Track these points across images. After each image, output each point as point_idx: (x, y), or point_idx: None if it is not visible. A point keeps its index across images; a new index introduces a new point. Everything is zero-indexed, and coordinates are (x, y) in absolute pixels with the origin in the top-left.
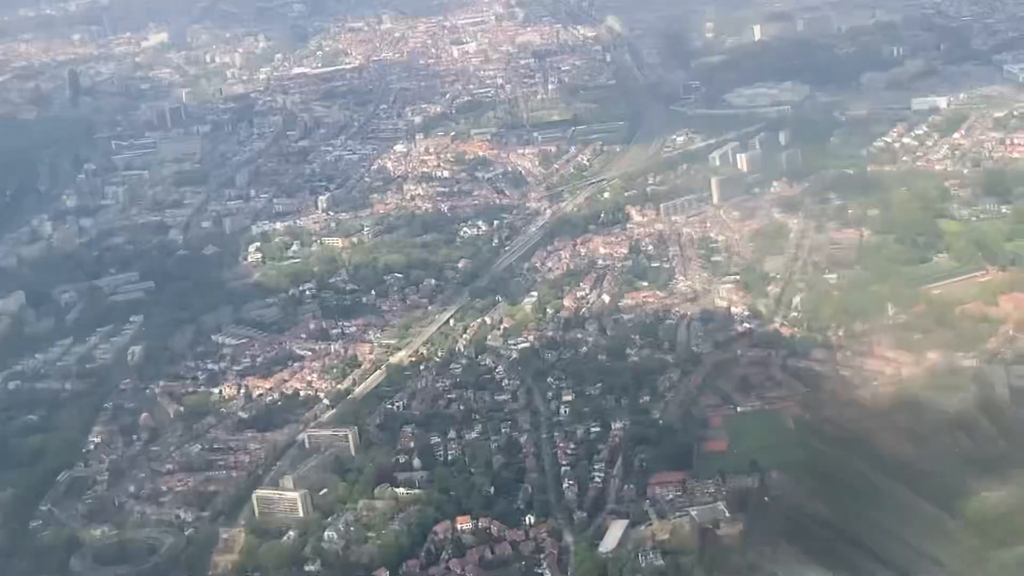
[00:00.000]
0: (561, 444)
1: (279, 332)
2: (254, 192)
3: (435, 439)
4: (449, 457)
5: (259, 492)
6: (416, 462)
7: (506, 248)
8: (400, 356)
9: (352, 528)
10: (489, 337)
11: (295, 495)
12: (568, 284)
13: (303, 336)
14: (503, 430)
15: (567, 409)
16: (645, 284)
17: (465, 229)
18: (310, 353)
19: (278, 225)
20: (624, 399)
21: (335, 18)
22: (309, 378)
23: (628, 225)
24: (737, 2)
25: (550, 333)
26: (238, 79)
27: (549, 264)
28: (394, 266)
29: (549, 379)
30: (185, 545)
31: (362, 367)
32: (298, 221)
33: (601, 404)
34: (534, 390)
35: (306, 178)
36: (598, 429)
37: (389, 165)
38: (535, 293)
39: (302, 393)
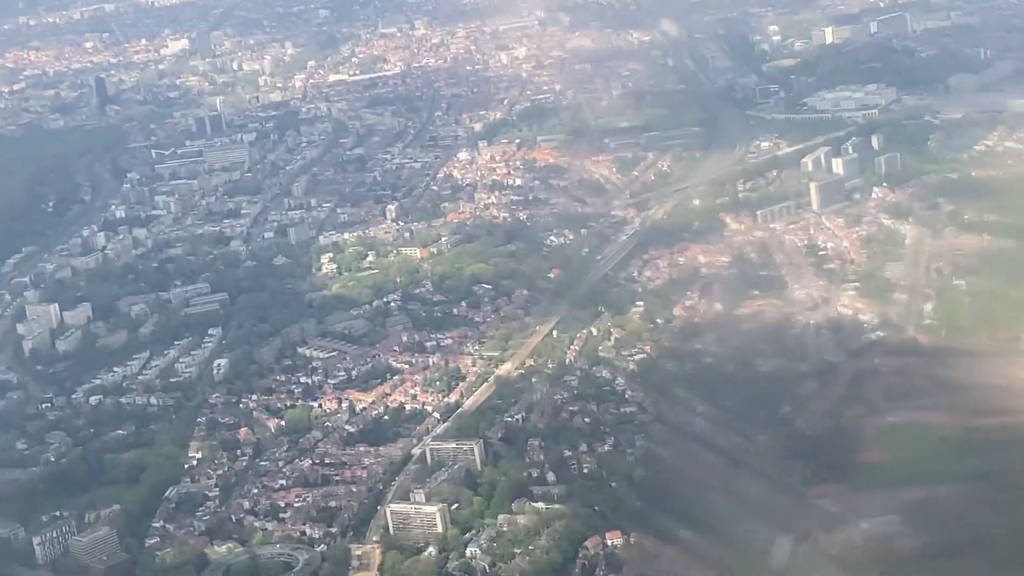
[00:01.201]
0: (704, 457)
1: (369, 345)
2: (314, 201)
3: (565, 452)
4: (584, 470)
5: (393, 507)
6: (550, 476)
7: (598, 257)
8: (506, 368)
9: (495, 544)
10: (601, 348)
11: (433, 509)
12: (674, 294)
13: (396, 348)
14: (638, 443)
15: (703, 421)
16: (756, 292)
17: (551, 238)
18: (407, 366)
19: (346, 235)
20: (763, 410)
21: (363, 24)
22: (412, 391)
23: (725, 233)
24: (796, 4)
25: (666, 343)
26: (272, 86)
27: (647, 273)
28: (481, 276)
29: (676, 390)
30: (320, 561)
31: (467, 380)
32: (367, 231)
33: (739, 415)
34: (661, 401)
35: (368, 187)
36: (741, 440)
37: (455, 173)
38: (641, 303)
39: (407, 406)
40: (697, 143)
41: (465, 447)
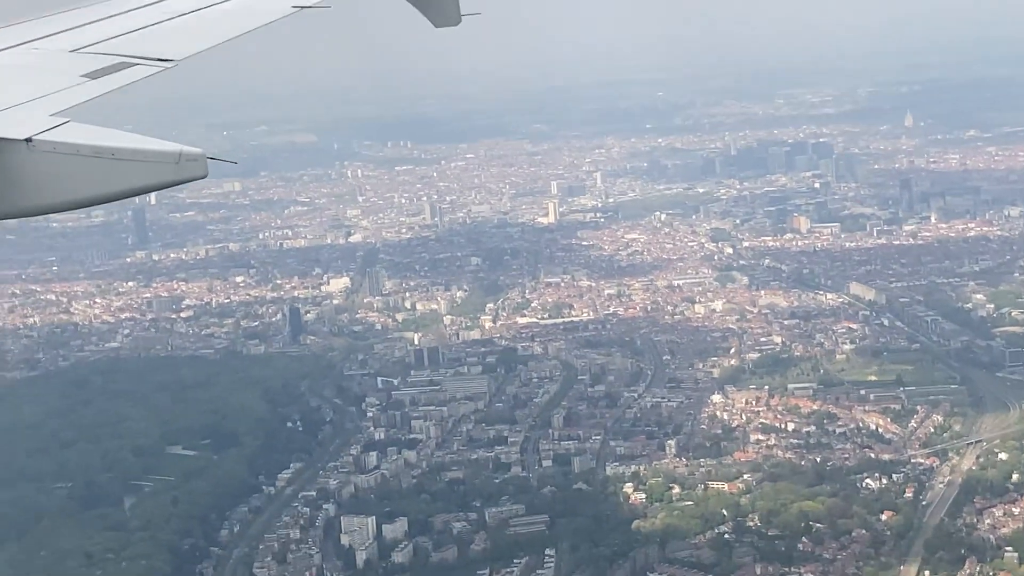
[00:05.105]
0: None
1: (723, 574)
2: (582, 433)
3: None
4: None
5: None
6: None
7: (923, 503)
8: None
9: None
10: None
11: None
12: None
13: None
14: None
15: None
16: None
17: (867, 481)
18: None
19: (634, 467)
20: None
21: (519, 273)
22: None
23: None
24: (991, 277)
25: None
26: (461, 325)
27: (988, 521)
28: (811, 514)
29: None
30: None
31: None
32: (653, 464)
33: None
34: None
35: (631, 422)
36: None
37: (719, 414)
38: (1011, 548)
39: None
40: (964, 400)
41: None
